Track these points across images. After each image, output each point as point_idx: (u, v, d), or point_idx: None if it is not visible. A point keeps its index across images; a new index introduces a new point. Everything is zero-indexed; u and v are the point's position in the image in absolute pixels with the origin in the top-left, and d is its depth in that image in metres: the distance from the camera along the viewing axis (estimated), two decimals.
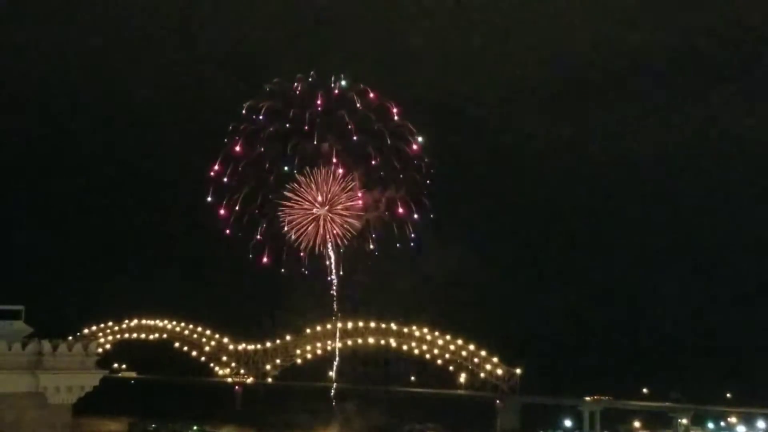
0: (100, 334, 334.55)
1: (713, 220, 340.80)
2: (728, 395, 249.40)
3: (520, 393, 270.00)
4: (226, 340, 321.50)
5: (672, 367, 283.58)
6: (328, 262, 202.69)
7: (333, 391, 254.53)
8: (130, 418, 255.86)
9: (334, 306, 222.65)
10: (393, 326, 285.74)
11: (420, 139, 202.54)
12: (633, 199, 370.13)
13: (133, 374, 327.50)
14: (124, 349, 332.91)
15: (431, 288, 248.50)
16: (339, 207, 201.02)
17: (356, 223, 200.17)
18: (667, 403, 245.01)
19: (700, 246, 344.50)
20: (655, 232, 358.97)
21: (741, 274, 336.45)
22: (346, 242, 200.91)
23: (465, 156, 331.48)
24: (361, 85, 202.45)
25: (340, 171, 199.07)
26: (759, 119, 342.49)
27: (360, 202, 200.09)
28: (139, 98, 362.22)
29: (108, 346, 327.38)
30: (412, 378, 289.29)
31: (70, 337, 74.81)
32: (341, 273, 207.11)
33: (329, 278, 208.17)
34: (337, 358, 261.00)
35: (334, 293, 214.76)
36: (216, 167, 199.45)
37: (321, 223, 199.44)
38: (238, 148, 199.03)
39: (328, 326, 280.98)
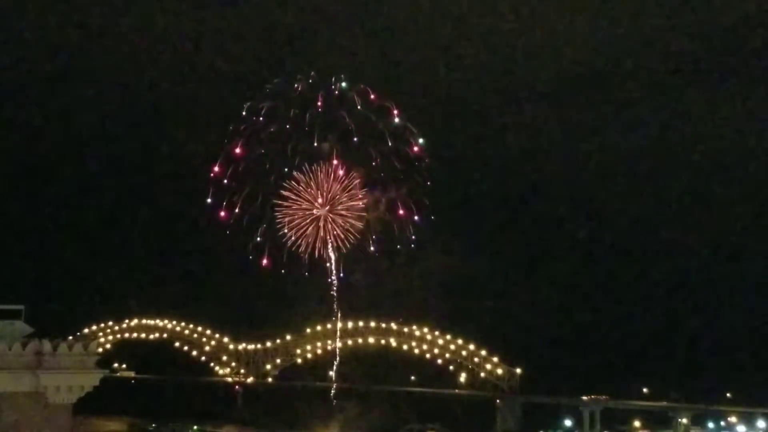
0: (101, 333, 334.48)
1: (714, 220, 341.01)
2: (728, 395, 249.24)
3: (520, 393, 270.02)
4: (226, 339, 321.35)
5: (672, 367, 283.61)
6: (328, 264, 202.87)
7: (333, 390, 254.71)
8: (130, 418, 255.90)
9: (335, 306, 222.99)
10: (393, 326, 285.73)
11: (421, 140, 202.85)
12: (633, 199, 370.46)
13: (132, 374, 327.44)
14: (124, 349, 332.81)
15: (431, 288, 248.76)
16: (339, 207, 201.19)
17: (357, 224, 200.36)
18: (667, 403, 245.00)
19: (701, 246, 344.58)
20: (655, 232, 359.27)
21: (741, 273, 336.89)
22: (346, 243, 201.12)
23: (465, 156, 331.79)
24: (362, 86, 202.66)
25: (341, 171, 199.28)
26: (759, 119, 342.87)
27: (360, 202, 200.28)
28: (140, 98, 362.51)
29: (108, 346, 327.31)
30: (412, 378, 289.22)
31: (71, 337, 74.71)
32: (341, 274, 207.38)
33: (329, 279, 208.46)
34: (337, 358, 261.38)
35: (335, 294, 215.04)
36: (216, 168, 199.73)
37: (321, 223, 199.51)
38: (238, 149, 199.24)
39: (329, 326, 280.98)
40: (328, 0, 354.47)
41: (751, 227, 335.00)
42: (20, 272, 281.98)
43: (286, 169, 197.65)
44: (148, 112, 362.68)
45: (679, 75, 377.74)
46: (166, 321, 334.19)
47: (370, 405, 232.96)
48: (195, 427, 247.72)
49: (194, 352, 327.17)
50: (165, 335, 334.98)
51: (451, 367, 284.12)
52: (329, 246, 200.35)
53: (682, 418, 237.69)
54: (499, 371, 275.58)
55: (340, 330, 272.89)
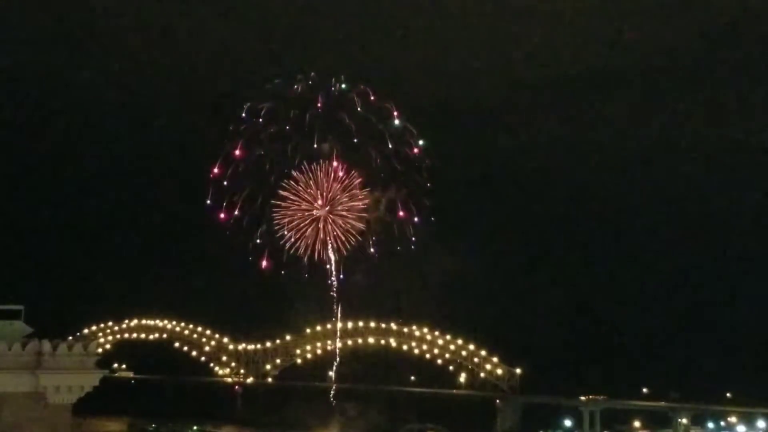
0: (100, 334, 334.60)
1: (713, 220, 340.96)
2: (728, 395, 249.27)
3: (520, 393, 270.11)
4: (226, 339, 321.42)
5: (672, 367, 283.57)
6: (328, 266, 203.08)
7: (333, 391, 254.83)
8: (130, 418, 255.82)
9: (335, 306, 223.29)
10: (393, 326, 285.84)
11: (421, 142, 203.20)
12: (634, 199, 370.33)
13: (130, 374, 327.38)
14: (124, 349, 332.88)
15: (431, 288, 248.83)
16: (339, 208, 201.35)
17: (357, 224, 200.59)
18: (667, 403, 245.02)
19: (701, 246, 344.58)
20: (655, 232, 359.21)
21: (741, 274, 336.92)
22: (346, 244, 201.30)
23: (465, 156, 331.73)
24: (362, 86, 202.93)
25: (341, 173, 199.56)
26: (760, 119, 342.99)
27: (361, 203, 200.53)
28: (140, 99, 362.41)
29: (108, 346, 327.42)
30: (412, 378, 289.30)
31: (70, 337, 74.80)
32: (341, 276, 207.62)
33: (330, 281, 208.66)
34: (337, 359, 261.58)
35: (335, 294, 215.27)
36: (216, 169, 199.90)
37: (321, 224, 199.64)
38: (238, 150, 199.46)
39: (328, 326, 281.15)
40: (328, 0, 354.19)
41: (751, 227, 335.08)
42: (20, 272, 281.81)
43: (285, 170, 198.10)
44: (148, 112, 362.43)
45: (679, 75, 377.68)
46: (165, 321, 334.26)
47: (370, 405, 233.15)
48: (195, 427, 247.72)
49: (194, 353, 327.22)
50: (165, 335, 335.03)
51: (450, 367, 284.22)
52: (329, 247, 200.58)
53: (682, 418, 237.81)
54: (499, 371, 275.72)
55: (340, 330, 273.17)
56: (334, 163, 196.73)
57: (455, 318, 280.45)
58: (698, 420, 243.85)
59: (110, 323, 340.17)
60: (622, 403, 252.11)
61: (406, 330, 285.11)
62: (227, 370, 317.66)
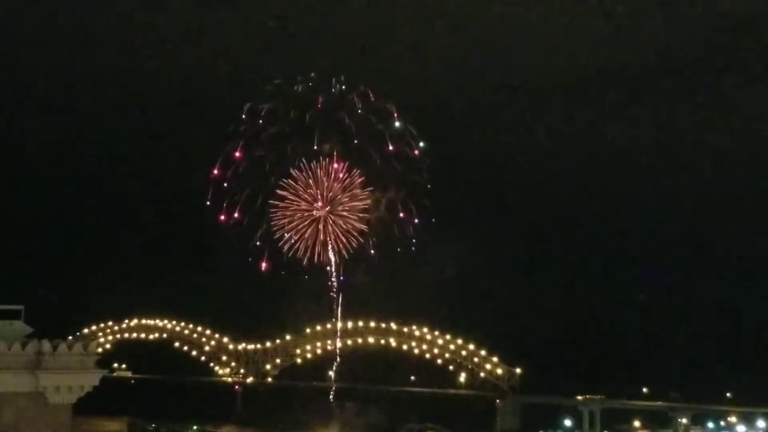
0: (100, 333, 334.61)
1: (713, 220, 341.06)
2: (728, 395, 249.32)
3: (520, 392, 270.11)
4: (225, 339, 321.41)
5: (672, 367, 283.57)
6: (328, 268, 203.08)
7: (333, 390, 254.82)
8: (130, 418, 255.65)
9: (335, 307, 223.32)
10: (393, 326, 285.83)
11: (421, 144, 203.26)
12: (633, 198, 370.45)
13: (129, 374, 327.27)
14: (123, 349, 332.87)
15: (431, 288, 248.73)
16: (340, 208, 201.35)
17: (357, 225, 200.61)
18: (667, 403, 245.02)
19: (701, 245, 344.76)
20: (655, 232, 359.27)
21: (741, 273, 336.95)
22: (346, 245, 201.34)
23: (465, 156, 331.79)
24: (362, 87, 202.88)
25: (341, 174, 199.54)
26: (760, 119, 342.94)
27: (361, 203, 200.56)
28: (141, 99, 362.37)
29: (108, 346, 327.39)
30: (412, 378, 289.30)
31: (70, 337, 74.76)
32: (341, 277, 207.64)
33: (330, 282, 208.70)
34: (337, 359, 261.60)
35: (335, 295, 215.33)
36: (217, 169, 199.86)
37: (321, 225, 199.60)
38: (238, 151, 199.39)
39: (328, 326, 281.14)
40: (327, 0, 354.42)
41: (751, 227, 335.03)
42: (20, 272, 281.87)
43: (285, 170, 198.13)
44: (148, 112, 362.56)
45: (679, 75, 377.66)
46: (165, 321, 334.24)
47: (369, 405, 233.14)
48: (195, 427, 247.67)
49: (194, 352, 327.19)
50: (165, 335, 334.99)
51: (450, 367, 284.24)
52: (329, 248, 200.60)
53: (681, 418, 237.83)
54: (499, 371, 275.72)
55: (340, 330, 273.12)
56: (335, 165, 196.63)
57: (455, 318, 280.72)
58: (698, 420, 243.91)
59: (110, 323, 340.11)
60: (622, 403, 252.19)
61: (406, 330, 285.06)
62: (227, 370, 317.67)
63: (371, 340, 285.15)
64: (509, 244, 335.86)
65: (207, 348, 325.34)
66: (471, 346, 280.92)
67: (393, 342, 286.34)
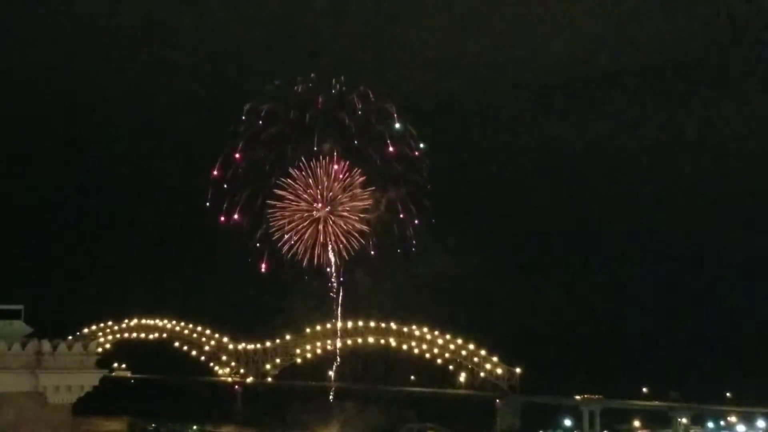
0: (100, 333, 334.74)
1: (713, 220, 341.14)
2: (728, 394, 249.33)
3: (520, 392, 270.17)
4: (225, 339, 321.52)
5: (672, 367, 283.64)
6: (328, 269, 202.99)
7: (333, 390, 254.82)
8: (130, 418, 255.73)
9: (335, 307, 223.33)
10: (393, 325, 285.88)
11: (422, 145, 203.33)
12: (633, 198, 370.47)
13: (128, 373, 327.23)
14: (123, 349, 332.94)
15: (431, 288, 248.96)
16: (340, 208, 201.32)
17: (357, 225, 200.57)
18: (666, 403, 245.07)
19: (701, 245, 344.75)
20: (655, 232, 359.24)
21: (741, 273, 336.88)
22: (347, 245, 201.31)
23: (465, 156, 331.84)
24: (362, 87, 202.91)
25: (341, 174, 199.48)
26: (761, 121, 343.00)
27: (361, 203, 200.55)
28: (141, 99, 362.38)
29: (108, 346, 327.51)
30: (412, 377, 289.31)
31: (70, 337, 74.69)
32: (341, 277, 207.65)
33: (330, 283, 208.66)
34: (337, 359, 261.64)
35: (335, 295, 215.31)
36: (217, 169, 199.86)
37: (321, 225, 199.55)
38: (238, 151, 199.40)
39: (328, 326, 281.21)
40: (328, 0, 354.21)
41: (751, 227, 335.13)
42: (20, 272, 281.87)
43: (285, 170, 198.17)
44: (149, 112, 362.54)
45: (679, 75, 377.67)
46: (165, 321, 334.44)
47: (369, 405, 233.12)
48: (195, 427, 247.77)
49: (194, 352, 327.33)
50: (164, 335, 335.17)
51: (450, 367, 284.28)
52: (329, 249, 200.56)
53: (681, 418, 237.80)
54: (499, 371, 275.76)
55: (340, 329, 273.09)
56: (335, 167, 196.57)
57: (455, 318, 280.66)
58: (698, 420, 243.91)
59: (110, 323, 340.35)
60: (622, 403, 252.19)
61: (405, 329, 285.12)
62: (227, 370, 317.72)
63: (371, 339, 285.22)
64: (509, 244, 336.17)
65: (207, 348, 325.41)
66: (471, 346, 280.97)
67: (393, 342, 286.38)
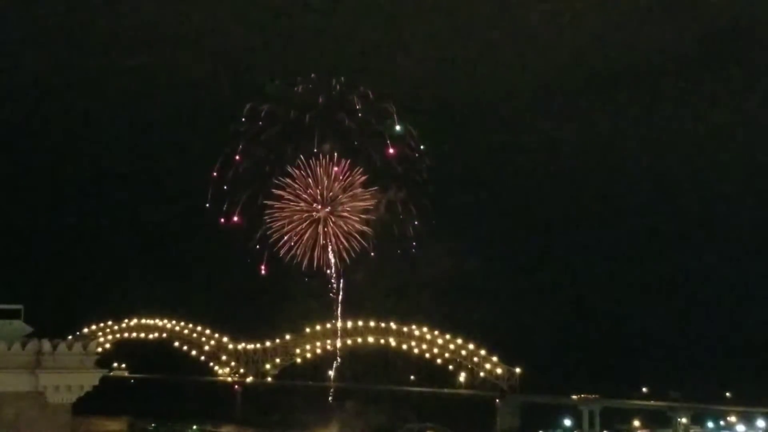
0: (100, 333, 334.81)
1: (713, 220, 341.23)
2: (728, 394, 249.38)
3: (519, 392, 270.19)
4: (225, 339, 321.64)
5: (672, 367, 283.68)
6: (329, 271, 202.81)
7: (332, 390, 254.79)
8: (130, 418, 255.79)
9: (335, 308, 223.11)
10: (392, 325, 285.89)
11: (422, 147, 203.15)
12: (633, 198, 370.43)
13: (125, 373, 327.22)
14: (123, 349, 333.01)
15: (431, 287, 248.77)
16: (340, 208, 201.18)
17: (358, 226, 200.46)
18: (666, 402, 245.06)
19: (701, 245, 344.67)
20: (655, 232, 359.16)
21: (741, 273, 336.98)
22: (347, 246, 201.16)
23: (465, 156, 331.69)
24: (361, 88, 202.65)
25: (341, 174, 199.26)
26: (761, 121, 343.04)
27: (361, 203, 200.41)
28: (141, 99, 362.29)
29: (108, 346, 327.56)
30: (412, 377, 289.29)
31: (70, 337, 74.60)
32: (341, 278, 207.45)
33: (330, 283, 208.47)
34: (338, 359, 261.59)
35: (334, 295, 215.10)
36: (217, 170, 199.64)
37: (321, 225, 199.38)
38: (238, 151, 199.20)
39: (328, 325, 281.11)
40: (327, 0, 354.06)
41: (751, 227, 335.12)
42: (20, 272, 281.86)
43: (286, 170, 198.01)
44: (148, 112, 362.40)
45: (679, 75, 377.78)
46: (165, 321, 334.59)
47: (369, 405, 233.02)
48: (195, 427, 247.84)
49: (194, 352, 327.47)
50: (164, 335, 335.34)
51: (450, 367, 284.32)
52: (329, 250, 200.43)
53: (681, 418, 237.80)
54: (499, 370, 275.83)
55: (340, 329, 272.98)
56: (335, 168, 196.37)
57: (455, 317, 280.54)
58: (698, 419, 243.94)
59: (110, 322, 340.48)
60: (622, 403, 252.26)
61: (405, 329, 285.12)
62: (227, 370, 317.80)
63: (371, 339, 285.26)
64: (509, 244, 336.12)
65: (207, 347, 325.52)
66: (471, 346, 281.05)
67: (393, 341, 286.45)
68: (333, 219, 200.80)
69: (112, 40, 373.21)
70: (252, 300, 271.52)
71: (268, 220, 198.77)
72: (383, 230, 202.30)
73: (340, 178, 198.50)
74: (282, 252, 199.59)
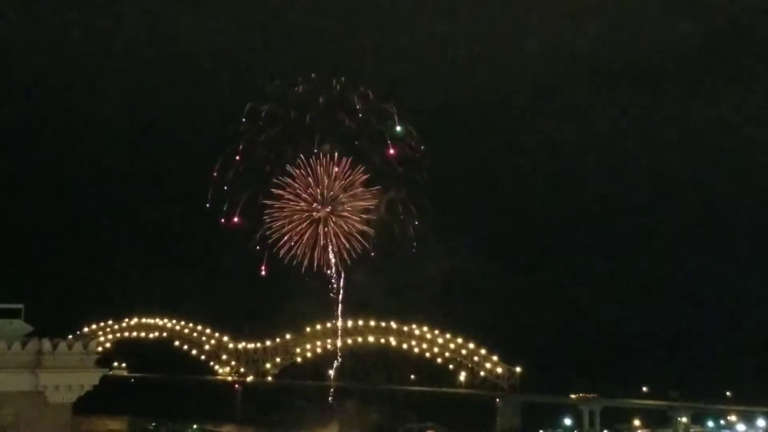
0: (100, 332, 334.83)
1: (713, 220, 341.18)
2: (728, 394, 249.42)
3: (520, 391, 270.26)
4: (225, 338, 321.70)
5: (672, 367, 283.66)
6: (329, 272, 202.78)
7: (333, 390, 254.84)
8: (130, 417, 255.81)
9: (335, 307, 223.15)
10: (393, 325, 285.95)
11: (423, 147, 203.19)
12: (633, 199, 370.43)
13: (124, 372, 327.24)
14: (124, 348, 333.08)
15: (431, 287, 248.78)
16: (340, 208, 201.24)
17: (358, 226, 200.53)
18: (666, 402, 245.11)
19: (700, 245, 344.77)
20: (655, 232, 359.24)
21: (741, 273, 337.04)
22: (348, 246, 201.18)
23: (465, 156, 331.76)
24: (362, 88, 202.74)
25: (342, 174, 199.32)
26: (761, 121, 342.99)
27: (362, 202, 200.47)
28: (141, 99, 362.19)
29: (108, 345, 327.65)
30: (412, 377, 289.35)
31: (70, 336, 74.67)
32: (342, 277, 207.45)
33: (330, 284, 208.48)
34: (339, 358, 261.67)
35: (335, 295, 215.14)
36: (217, 170, 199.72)
37: (321, 225, 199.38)
38: (238, 152, 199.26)
39: (328, 325, 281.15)
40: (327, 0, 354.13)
41: (751, 227, 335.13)
42: (20, 271, 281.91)
43: (286, 170, 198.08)
44: (149, 112, 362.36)
45: (679, 75, 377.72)
46: (165, 320, 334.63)
47: (369, 404, 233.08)
48: (195, 426, 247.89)
49: (194, 351, 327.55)
50: (165, 334, 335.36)
51: (450, 366, 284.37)
52: (330, 251, 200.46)
53: (681, 417, 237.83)
54: (499, 370, 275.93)
55: (340, 329, 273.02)
56: (335, 169, 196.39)
57: (455, 317, 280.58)
58: (698, 419, 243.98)
59: (110, 322, 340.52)
60: (622, 402, 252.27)
61: (406, 329, 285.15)
62: (227, 369, 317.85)
63: (371, 339, 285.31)
64: (509, 244, 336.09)
65: (207, 347, 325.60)
66: (471, 345, 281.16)
67: (393, 341, 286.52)
68: (333, 219, 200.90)
69: (112, 40, 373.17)
70: (252, 299, 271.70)
71: (269, 220, 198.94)
72: (383, 230, 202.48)
73: (341, 177, 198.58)
74: (282, 252, 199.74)
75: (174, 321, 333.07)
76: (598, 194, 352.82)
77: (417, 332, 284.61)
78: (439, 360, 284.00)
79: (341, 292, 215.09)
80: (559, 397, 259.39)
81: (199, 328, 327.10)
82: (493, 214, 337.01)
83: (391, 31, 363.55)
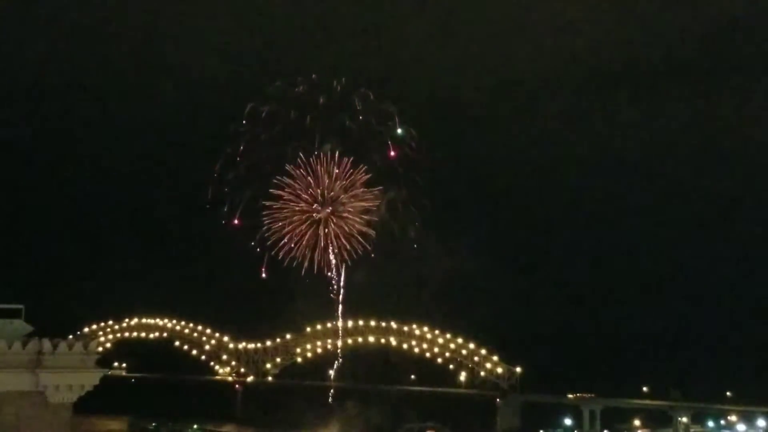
0: (101, 332, 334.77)
1: (713, 220, 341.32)
2: (728, 394, 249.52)
3: (520, 391, 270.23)
4: (226, 338, 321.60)
5: (672, 367, 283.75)
6: (329, 273, 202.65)
7: (333, 390, 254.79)
8: (130, 417, 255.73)
9: (336, 307, 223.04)
10: (393, 325, 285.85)
11: (422, 147, 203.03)
12: (633, 199, 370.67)
13: (123, 372, 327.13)
14: (124, 348, 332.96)
15: (431, 287, 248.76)
16: (341, 209, 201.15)
17: (359, 226, 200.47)
18: (666, 402, 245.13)
19: (700, 245, 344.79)
20: (655, 232, 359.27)
21: (741, 273, 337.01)
22: (348, 247, 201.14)
23: (465, 156, 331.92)
24: (362, 88, 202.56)
25: (343, 174, 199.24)
26: (761, 121, 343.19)
27: (362, 203, 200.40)
28: (141, 99, 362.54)
29: (108, 345, 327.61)
30: (412, 377, 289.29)
31: (71, 336, 74.72)
32: (342, 277, 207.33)
33: (331, 284, 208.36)
34: (339, 358, 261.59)
35: (335, 295, 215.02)
36: (217, 170, 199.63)
37: (322, 226, 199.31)
38: (239, 152, 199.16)
39: (329, 325, 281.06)
40: (328, 1, 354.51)
41: (751, 227, 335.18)
42: (20, 271, 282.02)
43: (286, 169, 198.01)
44: (149, 112, 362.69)
45: (679, 75, 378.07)
46: (166, 320, 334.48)
47: (369, 404, 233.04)
48: (195, 426, 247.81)
49: (194, 351, 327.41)
50: (165, 334, 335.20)
51: (450, 366, 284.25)
52: (330, 252, 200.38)
53: (681, 417, 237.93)
54: (499, 370, 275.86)
55: (340, 329, 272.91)
56: (336, 170, 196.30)
57: (455, 317, 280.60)
58: (698, 419, 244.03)
59: (110, 322, 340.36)
60: (621, 402, 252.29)
61: (406, 329, 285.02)
62: (227, 369, 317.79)
63: (371, 339, 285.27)
64: (509, 244, 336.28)
65: (207, 347, 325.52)
66: (471, 345, 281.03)
67: (393, 341, 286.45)
68: (334, 220, 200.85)
69: (112, 40, 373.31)
70: (252, 299, 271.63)
71: (269, 221, 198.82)
72: (384, 230, 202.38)
73: (342, 178, 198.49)
74: (282, 253, 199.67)
75: (174, 321, 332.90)
76: (598, 194, 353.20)
77: (417, 332, 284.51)
78: (439, 360, 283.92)
79: (341, 292, 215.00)
80: (559, 397, 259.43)
81: (200, 328, 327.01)
82: (493, 214, 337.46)
83: (391, 31, 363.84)
